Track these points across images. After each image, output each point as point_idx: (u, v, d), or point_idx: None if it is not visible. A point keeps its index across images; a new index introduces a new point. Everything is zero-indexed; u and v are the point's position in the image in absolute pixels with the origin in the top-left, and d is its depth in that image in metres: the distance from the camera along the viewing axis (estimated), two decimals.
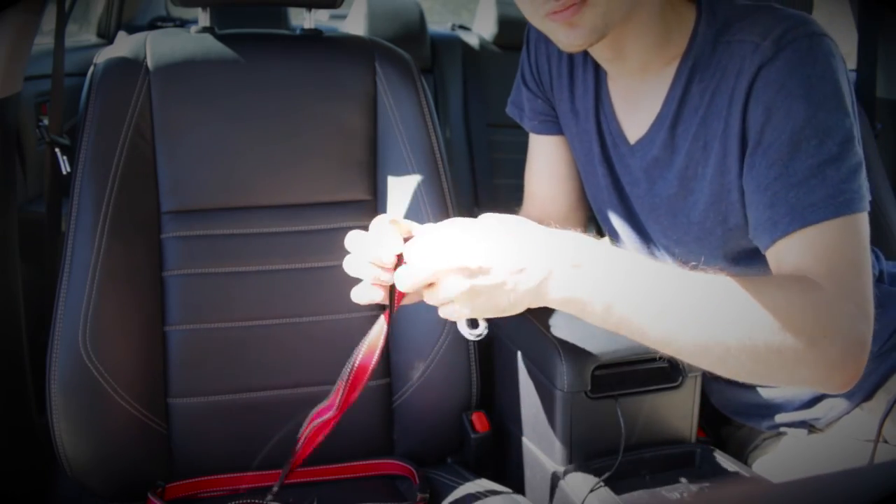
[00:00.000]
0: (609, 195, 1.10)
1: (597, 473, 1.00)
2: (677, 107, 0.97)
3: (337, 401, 0.91)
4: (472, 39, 3.11)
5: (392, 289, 0.83)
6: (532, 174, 1.20)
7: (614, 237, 1.14)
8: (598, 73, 1.08)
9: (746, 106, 0.89)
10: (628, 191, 1.07)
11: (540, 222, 1.09)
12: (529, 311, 1.11)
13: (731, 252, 1.00)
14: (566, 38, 0.90)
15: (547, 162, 1.17)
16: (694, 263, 0.80)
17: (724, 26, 0.94)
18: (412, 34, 2.90)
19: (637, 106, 1.03)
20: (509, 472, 1.19)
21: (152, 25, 2.93)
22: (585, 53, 1.08)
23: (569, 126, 1.13)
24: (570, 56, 1.10)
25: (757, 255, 0.94)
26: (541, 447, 1.09)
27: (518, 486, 1.14)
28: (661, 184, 1.02)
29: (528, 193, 1.21)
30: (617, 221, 1.11)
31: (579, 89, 1.10)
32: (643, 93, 1.01)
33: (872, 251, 1.14)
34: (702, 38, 0.95)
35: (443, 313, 0.80)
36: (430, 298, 0.79)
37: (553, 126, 1.15)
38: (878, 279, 1.11)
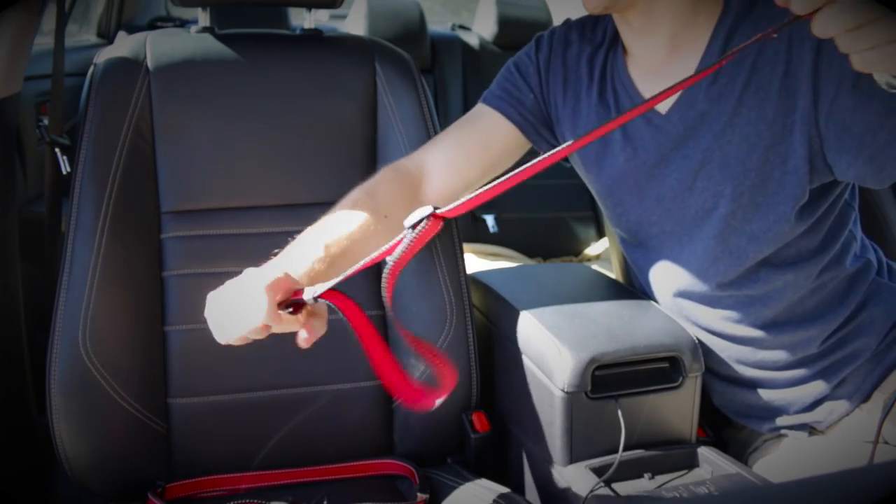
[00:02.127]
0: (634, 180, 1.09)
1: (597, 473, 1.00)
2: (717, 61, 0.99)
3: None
4: (472, 39, 3.11)
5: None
6: (458, 136, 1.13)
7: (637, 228, 1.14)
8: (616, 60, 1.09)
9: (820, 43, 0.91)
10: (659, 169, 1.07)
11: (423, 181, 1.08)
12: (530, 310, 1.12)
13: (788, 198, 1.00)
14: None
15: (485, 137, 1.12)
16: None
17: None
18: (412, 34, 2.90)
19: (665, 78, 1.04)
20: (509, 472, 1.19)
21: (152, 25, 2.92)
22: (605, 37, 1.11)
23: (590, 125, 1.12)
24: (591, 53, 1.12)
25: (815, 201, 1.00)
26: (541, 447, 1.09)
27: (518, 486, 1.14)
28: (707, 138, 1.02)
29: (443, 149, 1.12)
30: (641, 207, 1.10)
31: (596, 83, 1.11)
32: (671, 64, 1.03)
33: (872, 247, 1.15)
34: (737, 1, 0.99)
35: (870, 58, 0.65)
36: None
37: (521, 119, 1.13)
38: (878, 272, 1.11)
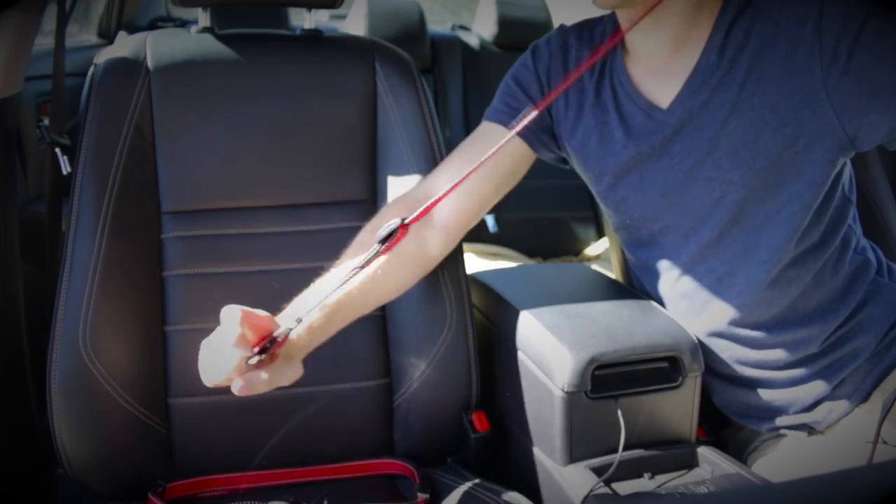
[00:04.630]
0: (638, 175, 1.10)
1: (597, 473, 1.00)
2: (717, 55, 1.01)
3: None
4: (472, 39, 3.11)
5: None
6: (463, 155, 1.12)
7: (640, 225, 1.14)
8: (615, 60, 1.10)
9: (821, 22, 0.95)
10: (663, 162, 1.07)
11: (420, 205, 1.07)
12: (530, 310, 1.12)
13: (800, 176, 1.01)
14: None
15: (487, 149, 1.10)
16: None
17: None
18: (412, 34, 2.90)
19: (665, 74, 1.05)
20: (509, 472, 1.19)
21: (152, 25, 2.92)
22: (604, 38, 1.12)
23: (588, 125, 1.12)
24: (590, 54, 1.12)
25: (821, 175, 1.01)
26: (541, 447, 1.10)
27: (518, 486, 1.14)
28: (712, 126, 1.03)
29: (448, 172, 1.11)
30: (645, 202, 1.11)
31: (593, 82, 1.12)
32: (674, 62, 1.05)
33: (871, 248, 1.15)
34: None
35: None
36: None
37: (524, 129, 1.12)
38: (878, 272, 1.12)
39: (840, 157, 1.01)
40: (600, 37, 1.13)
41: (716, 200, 1.05)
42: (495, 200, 1.14)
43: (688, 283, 1.11)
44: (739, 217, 1.04)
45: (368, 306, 1.08)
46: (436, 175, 1.14)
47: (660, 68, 1.06)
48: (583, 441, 1.03)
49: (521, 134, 1.12)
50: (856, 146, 0.99)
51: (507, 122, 1.12)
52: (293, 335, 0.90)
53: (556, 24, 1.22)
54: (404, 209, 1.03)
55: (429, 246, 1.09)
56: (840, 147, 0.99)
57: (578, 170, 1.19)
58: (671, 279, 1.13)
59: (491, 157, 1.06)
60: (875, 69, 0.93)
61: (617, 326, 1.07)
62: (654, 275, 1.15)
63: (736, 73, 1.00)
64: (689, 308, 1.12)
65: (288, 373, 0.89)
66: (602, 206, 1.21)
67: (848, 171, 1.09)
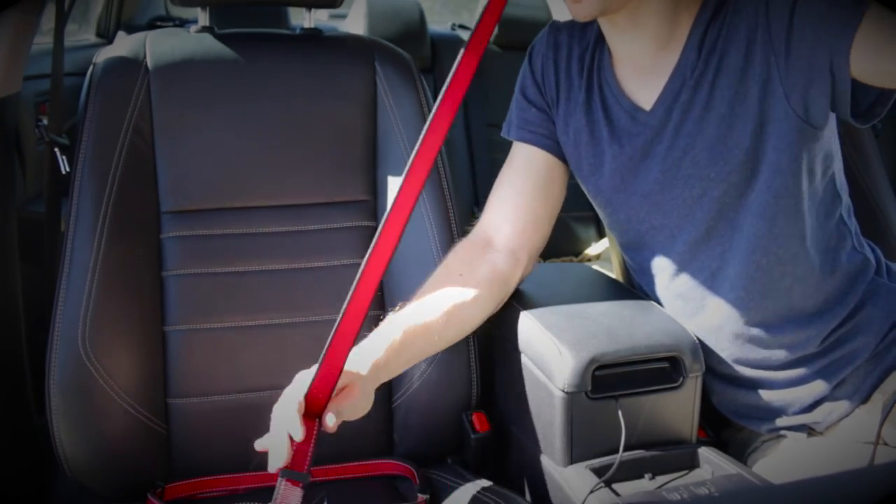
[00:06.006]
0: (620, 177, 1.10)
1: (597, 473, 1.00)
2: (696, 54, 1.03)
3: None
4: None
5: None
6: (504, 180, 1.16)
7: (627, 227, 1.14)
8: (602, 60, 1.11)
9: (768, 15, 0.98)
10: (644, 164, 1.08)
11: (491, 234, 1.12)
12: (530, 310, 1.12)
13: (772, 163, 1.02)
14: (574, 9, 1.01)
15: (525, 170, 1.16)
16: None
17: None
18: (412, 34, 2.90)
19: (649, 75, 1.06)
20: (509, 472, 1.19)
21: (152, 25, 2.92)
22: (593, 37, 1.13)
23: (578, 124, 1.13)
24: (580, 53, 1.13)
25: (799, 161, 1.01)
26: (541, 447, 1.09)
27: (518, 486, 1.14)
28: (688, 126, 1.04)
29: (496, 198, 1.16)
30: (628, 204, 1.11)
31: (584, 81, 1.12)
32: (656, 62, 1.05)
33: (870, 247, 1.15)
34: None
35: None
36: None
37: (540, 139, 1.15)
38: (877, 272, 1.11)
39: (801, 139, 1.00)
40: (590, 36, 1.13)
41: (697, 198, 1.05)
42: (550, 217, 1.17)
43: (682, 282, 1.11)
44: (722, 211, 1.05)
45: (449, 338, 1.07)
46: (486, 209, 1.16)
47: (644, 69, 1.07)
48: (583, 441, 1.03)
49: (542, 146, 1.15)
50: (812, 124, 0.99)
51: (525, 138, 1.16)
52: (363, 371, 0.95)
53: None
54: (471, 249, 1.12)
55: (500, 267, 1.11)
56: (796, 129, 0.99)
57: (572, 168, 1.19)
58: (665, 279, 1.13)
59: (532, 180, 1.15)
60: (807, 40, 0.95)
61: (617, 326, 1.06)
62: (649, 276, 1.15)
63: (709, 71, 1.02)
64: (685, 307, 1.12)
65: (360, 406, 0.95)
66: (594, 206, 1.21)
67: (838, 164, 1.09)
